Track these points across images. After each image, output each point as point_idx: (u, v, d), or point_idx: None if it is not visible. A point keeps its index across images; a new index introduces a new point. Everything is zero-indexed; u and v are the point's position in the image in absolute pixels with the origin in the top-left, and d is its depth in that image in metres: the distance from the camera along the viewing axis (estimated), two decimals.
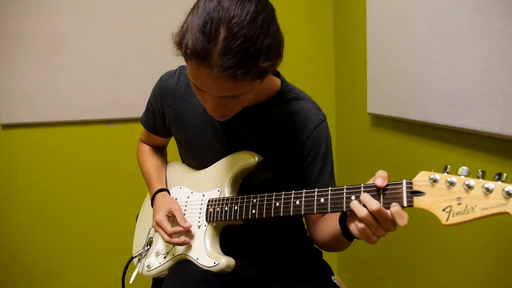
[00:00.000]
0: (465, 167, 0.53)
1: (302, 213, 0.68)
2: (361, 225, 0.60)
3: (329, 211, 0.65)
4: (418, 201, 0.55)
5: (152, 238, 0.95)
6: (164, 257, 0.89)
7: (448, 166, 0.55)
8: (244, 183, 0.85)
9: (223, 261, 0.77)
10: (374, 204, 0.57)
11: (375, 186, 0.59)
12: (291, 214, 0.69)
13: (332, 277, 0.91)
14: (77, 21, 1.65)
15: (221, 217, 0.80)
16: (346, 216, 0.67)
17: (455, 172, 0.53)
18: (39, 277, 1.80)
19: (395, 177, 0.61)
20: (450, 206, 0.53)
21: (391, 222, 0.57)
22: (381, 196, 0.59)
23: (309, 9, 1.81)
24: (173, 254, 0.87)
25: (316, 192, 0.67)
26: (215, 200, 0.83)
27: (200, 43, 0.59)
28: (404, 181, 0.57)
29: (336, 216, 0.71)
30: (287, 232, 0.94)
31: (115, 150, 1.76)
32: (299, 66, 1.81)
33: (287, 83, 0.86)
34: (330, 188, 0.66)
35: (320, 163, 0.82)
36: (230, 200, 0.80)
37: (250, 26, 0.60)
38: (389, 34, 1.17)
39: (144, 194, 1.08)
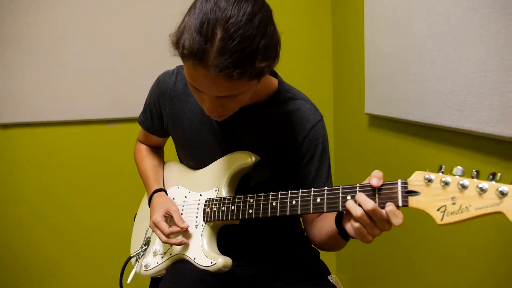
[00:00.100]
0: (459, 167, 0.53)
1: (299, 213, 0.68)
2: (356, 224, 0.60)
3: (325, 211, 0.65)
4: (413, 201, 0.56)
5: (149, 238, 0.96)
6: (162, 257, 0.89)
7: (443, 166, 0.55)
8: (241, 183, 0.86)
9: (220, 261, 0.77)
10: (369, 204, 0.57)
11: (371, 186, 0.59)
12: (288, 214, 0.70)
13: (329, 277, 0.91)
14: (76, 22, 1.66)
15: (218, 217, 0.80)
16: (342, 216, 0.68)
17: (449, 172, 0.54)
18: (38, 277, 1.80)
19: (392, 177, 0.61)
20: (445, 205, 0.53)
21: (386, 222, 0.57)
22: (377, 196, 0.59)
23: (307, 10, 1.81)
24: (170, 254, 0.87)
25: (312, 192, 0.67)
26: (212, 200, 0.83)
27: (197, 44, 0.60)
28: (399, 181, 0.58)
29: (332, 216, 0.71)
30: (284, 232, 0.95)
31: (114, 150, 1.76)
32: (298, 66, 1.81)
33: (284, 83, 0.86)
34: (326, 188, 0.66)
35: (317, 163, 0.82)
36: (227, 200, 0.80)
37: (247, 26, 0.60)
38: (387, 34, 1.17)
39: (143, 194, 1.08)
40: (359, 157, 1.56)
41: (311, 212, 0.67)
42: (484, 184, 0.50)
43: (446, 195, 0.53)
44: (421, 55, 0.98)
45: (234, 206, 0.78)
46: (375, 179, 0.59)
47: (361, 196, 0.59)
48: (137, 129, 1.08)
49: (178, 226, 0.82)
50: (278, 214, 0.71)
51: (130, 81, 1.71)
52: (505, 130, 0.70)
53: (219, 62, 0.59)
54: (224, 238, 0.85)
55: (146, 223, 0.99)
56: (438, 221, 0.53)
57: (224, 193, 0.83)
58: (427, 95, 0.96)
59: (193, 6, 0.64)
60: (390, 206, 0.56)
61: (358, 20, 1.43)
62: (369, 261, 1.53)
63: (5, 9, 1.60)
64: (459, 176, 0.53)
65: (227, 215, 0.79)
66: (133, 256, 0.97)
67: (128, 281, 0.92)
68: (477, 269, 0.88)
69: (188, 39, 0.61)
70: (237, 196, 0.79)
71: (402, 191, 0.57)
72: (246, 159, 0.81)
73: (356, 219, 0.60)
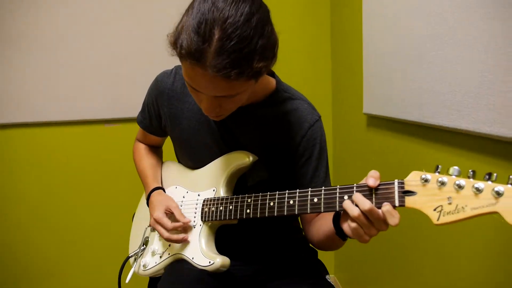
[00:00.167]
0: (456, 167, 0.53)
1: (296, 213, 0.69)
2: (353, 224, 0.60)
3: (322, 211, 0.65)
4: (409, 201, 0.56)
5: (148, 237, 0.96)
6: (160, 257, 0.89)
7: (439, 166, 0.55)
8: (239, 183, 0.86)
9: (218, 261, 0.77)
10: (366, 204, 0.58)
11: (367, 186, 0.59)
12: (285, 213, 0.70)
13: (327, 276, 0.91)
14: (75, 22, 1.66)
15: (216, 216, 0.80)
16: (340, 216, 0.68)
17: (446, 172, 0.54)
18: (37, 276, 1.80)
19: (391, 176, 0.61)
20: (441, 205, 0.53)
21: (383, 222, 0.58)
22: (373, 196, 0.59)
23: (306, 10, 1.82)
24: (168, 254, 0.88)
25: (309, 192, 0.67)
26: (210, 200, 0.83)
27: (195, 44, 0.60)
28: (396, 181, 0.58)
29: (330, 216, 0.71)
30: (282, 232, 0.95)
31: (113, 150, 1.77)
32: (297, 67, 1.81)
33: (282, 83, 0.86)
34: (323, 188, 0.66)
35: (315, 163, 0.82)
36: (225, 200, 0.80)
37: (245, 27, 0.60)
38: (385, 35, 1.18)
39: (141, 194, 1.08)
40: (358, 157, 1.57)
41: (309, 212, 0.67)
42: (480, 184, 0.50)
43: (443, 195, 0.53)
44: (419, 55, 0.98)
45: (232, 206, 0.78)
46: (372, 179, 0.59)
47: (358, 196, 0.59)
48: (135, 129, 1.09)
49: (180, 221, 0.82)
50: (275, 214, 0.71)
51: (129, 81, 1.71)
52: (502, 130, 0.70)
53: (217, 62, 0.59)
54: (222, 238, 0.85)
55: (144, 222, 0.99)
56: (435, 221, 0.53)
57: (222, 193, 0.83)
58: (425, 95, 0.96)
59: (191, 6, 0.65)
60: (386, 206, 0.57)
61: (356, 21, 1.44)
62: (368, 261, 1.54)
63: (5, 9, 1.60)
64: (456, 176, 0.53)
65: (225, 215, 0.79)
66: (131, 256, 0.97)
67: (127, 280, 0.92)
68: (474, 268, 0.89)
69: (186, 39, 0.61)
70: (234, 196, 0.79)
71: (398, 191, 0.57)
72: (244, 159, 0.81)
73: (353, 219, 0.60)
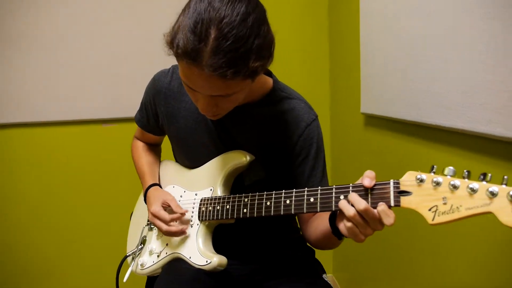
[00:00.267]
0: (451, 167, 0.53)
1: (292, 212, 0.69)
2: (349, 224, 0.60)
3: (318, 211, 0.65)
4: (405, 201, 0.56)
5: (145, 236, 0.96)
6: (158, 256, 0.89)
7: (435, 166, 0.55)
8: (236, 182, 0.86)
9: (215, 260, 0.78)
10: (362, 204, 0.58)
11: (363, 186, 0.60)
12: (282, 213, 0.70)
13: (324, 275, 0.91)
14: (73, 23, 1.66)
15: (213, 216, 0.81)
16: (336, 215, 0.68)
17: (441, 172, 0.54)
18: (36, 275, 1.81)
19: (388, 175, 0.61)
20: (436, 205, 0.53)
21: (378, 222, 0.58)
22: (369, 196, 0.59)
23: (304, 9, 1.82)
24: (166, 253, 0.88)
25: (306, 191, 0.67)
26: (208, 199, 0.83)
27: (191, 43, 0.60)
28: (392, 181, 0.58)
29: (327, 215, 0.72)
30: (280, 231, 0.95)
31: (110, 149, 1.76)
32: (295, 66, 1.81)
33: (279, 82, 0.86)
34: (319, 187, 0.66)
35: (312, 162, 0.83)
36: (222, 199, 0.80)
37: (241, 26, 0.61)
38: (382, 35, 1.18)
39: (139, 193, 1.08)
40: (355, 156, 1.57)
41: (305, 211, 0.67)
42: (475, 184, 0.50)
43: (438, 195, 0.53)
44: (415, 55, 0.98)
45: (229, 205, 0.78)
46: (368, 179, 0.59)
47: (353, 196, 0.59)
48: (133, 129, 1.09)
49: (177, 213, 0.83)
50: (272, 214, 0.71)
51: (127, 81, 1.71)
52: (497, 129, 0.71)
53: (213, 62, 0.60)
54: (220, 237, 0.85)
55: (142, 221, 1.00)
56: (430, 221, 0.54)
57: (219, 192, 0.83)
58: (421, 94, 0.96)
59: (187, 6, 0.65)
60: (381, 206, 0.57)
61: (354, 20, 1.44)
62: (366, 261, 1.54)
63: (5, 9, 1.61)
64: (451, 176, 0.53)
65: (222, 214, 0.79)
66: (129, 255, 0.97)
67: (124, 280, 0.92)
68: (471, 267, 0.89)
69: (182, 38, 0.61)
70: (232, 196, 0.79)
71: (394, 191, 0.57)
72: (241, 158, 0.81)
73: (349, 219, 0.60)
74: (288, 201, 0.69)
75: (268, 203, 0.72)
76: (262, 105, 0.83)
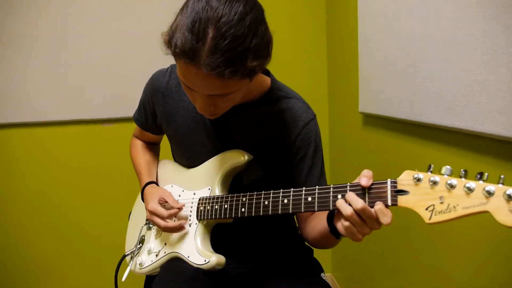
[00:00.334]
0: (448, 167, 0.54)
1: (290, 212, 0.69)
2: (346, 223, 0.61)
3: (316, 210, 0.66)
4: (402, 200, 0.56)
5: (144, 236, 0.96)
6: (156, 255, 0.89)
7: (432, 165, 0.56)
8: (234, 182, 0.86)
9: (214, 259, 0.78)
10: (359, 203, 0.58)
11: (361, 185, 0.60)
12: (280, 212, 0.70)
13: (322, 274, 0.92)
14: (72, 23, 1.66)
15: (211, 215, 0.81)
16: (334, 215, 0.68)
17: (438, 171, 0.54)
18: (34, 275, 1.81)
19: (386, 175, 0.61)
20: (433, 205, 0.53)
21: (376, 221, 0.58)
22: (366, 195, 0.60)
23: (302, 9, 1.82)
24: (164, 252, 0.88)
25: (303, 191, 0.68)
26: (206, 199, 0.83)
27: (189, 42, 0.60)
28: (389, 181, 0.58)
29: (325, 214, 0.72)
30: (278, 230, 0.95)
31: (110, 149, 1.76)
32: (293, 66, 1.81)
33: (277, 81, 0.86)
34: (317, 187, 0.66)
35: (310, 161, 0.83)
36: (220, 199, 0.80)
37: (238, 26, 0.61)
38: (380, 34, 1.18)
39: (138, 193, 1.08)
40: (354, 155, 1.57)
41: (303, 211, 0.67)
42: (472, 183, 0.50)
43: (435, 194, 0.53)
44: (413, 55, 0.98)
45: (227, 204, 0.78)
46: (365, 178, 0.59)
47: (351, 196, 0.60)
48: (132, 129, 1.09)
49: (174, 208, 0.83)
50: (270, 213, 0.71)
51: (126, 81, 1.70)
52: (494, 128, 0.71)
53: (211, 61, 0.60)
54: (218, 237, 0.85)
55: (140, 221, 1.00)
56: (427, 220, 0.54)
57: (217, 191, 0.83)
58: (418, 93, 0.96)
59: (185, 5, 0.65)
60: (379, 205, 0.57)
61: (352, 20, 1.44)
62: (365, 260, 1.55)
63: (4, 9, 1.60)
64: (448, 175, 0.53)
65: (220, 214, 0.79)
66: (127, 255, 0.97)
67: (123, 279, 0.92)
68: (469, 266, 0.89)
69: (180, 38, 0.61)
70: (230, 195, 0.79)
71: (391, 191, 0.57)
72: (239, 157, 0.82)
73: (346, 218, 0.60)
74: (286, 201, 0.69)
75: (266, 203, 0.72)
76: (260, 105, 0.83)
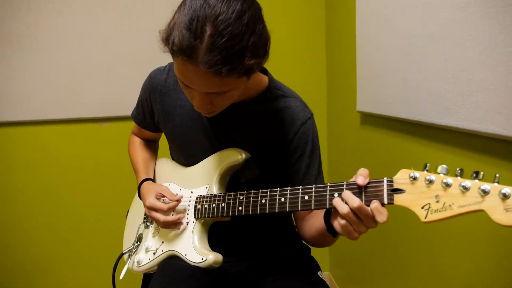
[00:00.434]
0: (444, 165, 0.54)
1: (287, 210, 0.69)
2: (343, 221, 0.61)
3: (313, 208, 0.66)
4: (398, 199, 0.56)
5: (141, 234, 0.96)
6: (154, 253, 0.89)
7: (428, 164, 0.56)
8: (232, 180, 0.86)
9: (211, 257, 0.78)
10: (355, 201, 0.58)
11: (357, 184, 0.60)
12: (276, 211, 0.70)
13: (319, 273, 0.92)
14: (69, 22, 1.66)
15: (208, 213, 0.81)
16: (331, 213, 0.68)
17: (434, 170, 0.54)
18: (33, 273, 1.80)
19: (384, 173, 0.61)
20: (429, 203, 0.54)
21: (372, 219, 0.58)
22: (363, 193, 0.60)
23: (301, 8, 1.81)
24: (162, 250, 0.88)
25: (300, 189, 0.68)
26: (203, 197, 0.83)
27: (187, 40, 0.60)
28: (385, 179, 0.58)
29: (322, 213, 0.72)
30: (275, 228, 0.95)
31: (107, 148, 1.76)
32: (292, 65, 1.81)
33: (274, 80, 0.86)
34: (314, 185, 0.66)
35: (307, 160, 0.83)
36: (217, 197, 0.80)
37: (236, 24, 0.61)
38: (378, 33, 1.18)
39: (135, 192, 1.08)
40: (352, 153, 1.58)
41: (299, 209, 0.67)
42: (467, 182, 0.51)
43: (430, 193, 0.53)
44: (410, 54, 0.98)
45: (225, 203, 0.78)
46: (361, 177, 0.59)
47: (347, 194, 0.60)
48: (130, 128, 1.09)
49: (173, 201, 0.83)
50: (267, 211, 0.72)
51: (124, 79, 1.70)
52: (490, 127, 0.71)
53: (208, 59, 0.60)
54: (215, 235, 0.85)
55: (138, 219, 1.00)
56: (422, 219, 0.54)
57: (215, 190, 0.83)
58: (415, 93, 0.97)
59: (183, 3, 0.65)
60: (374, 204, 0.57)
61: (350, 20, 1.44)
62: (363, 258, 1.55)
63: (4, 9, 1.60)
64: (444, 174, 0.53)
65: (217, 212, 0.79)
66: (125, 253, 0.97)
67: (121, 277, 0.92)
68: (465, 264, 0.90)
69: (178, 35, 0.61)
70: (227, 193, 0.79)
71: (387, 189, 0.57)
72: (236, 156, 0.82)
73: (343, 216, 0.60)
74: (283, 199, 0.70)
75: (263, 201, 0.72)
76: (258, 103, 0.83)
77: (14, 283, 1.79)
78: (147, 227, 0.96)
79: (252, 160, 0.82)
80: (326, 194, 0.64)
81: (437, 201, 0.53)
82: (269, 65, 0.74)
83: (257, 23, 0.64)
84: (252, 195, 0.74)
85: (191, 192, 0.88)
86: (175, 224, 0.84)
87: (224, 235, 0.87)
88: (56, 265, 1.82)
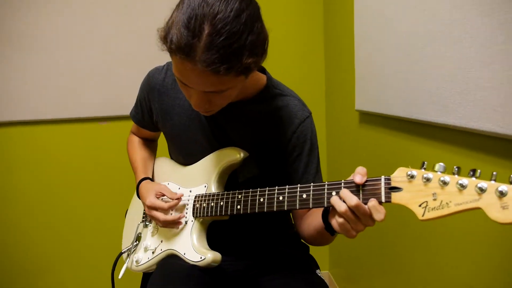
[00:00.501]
0: (441, 164, 0.54)
1: (285, 209, 0.69)
2: (340, 220, 0.61)
3: (311, 207, 0.66)
4: (395, 197, 0.56)
5: (140, 233, 0.96)
6: (153, 252, 0.89)
7: (425, 162, 0.56)
8: (230, 179, 0.86)
9: (209, 256, 0.78)
10: (353, 200, 0.58)
11: (355, 182, 0.60)
12: (275, 209, 0.70)
13: (318, 271, 0.92)
14: (69, 21, 1.66)
15: (207, 212, 0.81)
16: (329, 211, 0.68)
17: (432, 168, 0.54)
18: (31, 272, 1.80)
19: (382, 172, 0.61)
20: (426, 201, 0.54)
21: (369, 217, 0.58)
22: (361, 192, 0.60)
23: (299, 7, 1.81)
24: (161, 249, 0.88)
25: (298, 188, 0.68)
26: (202, 196, 0.83)
27: (185, 38, 0.60)
28: (383, 177, 0.58)
29: (320, 211, 0.72)
30: (274, 227, 0.95)
31: (106, 147, 1.76)
32: (290, 64, 1.82)
33: (272, 79, 0.86)
34: (312, 184, 0.67)
35: (306, 159, 0.83)
36: (215, 196, 0.81)
37: (234, 22, 0.61)
38: (375, 33, 1.18)
39: (134, 191, 1.08)
40: (350, 153, 1.58)
41: (298, 208, 0.67)
42: (464, 180, 0.51)
43: (428, 191, 0.54)
44: (408, 53, 0.99)
45: (223, 202, 0.78)
46: (359, 176, 0.60)
47: (345, 192, 0.60)
48: (129, 127, 1.09)
49: (174, 199, 0.84)
50: (265, 210, 0.72)
51: (123, 79, 1.70)
52: (487, 125, 0.71)
53: (206, 57, 0.60)
54: (214, 234, 0.85)
55: (137, 218, 1.00)
56: (420, 217, 0.54)
57: (213, 189, 0.84)
58: (413, 91, 0.97)
59: (181, 1, 0.65)
60: (372, 202, 0.57)
61: (348, 19, 1.44)
62: (362, 257, 1.55)
63: (4, 9, 1.60)
64: (441, 172, 0.53)
65: (216, 211, 0.79)
66: (124, 252, 0.97)
67: (120, 276, 0.93)
68: (464, 262, 0.90)
69: (176, 34, 0.61)
70: (225, 192, 0.79)
71: (385, 187, 0.58)
72: (234, 155, 0.82)
73: (341, 215, 0.60)
74: (281, 198, 0.70)
75: (262, 200, 0.72)
76: (256, 102, 0.83)
77: (13, 282, 1.80)
78: (146, 226, 0.96)
79: (251, 159, 0.82)
80: (324, 193, 0.64)
81: (434, 199, 0.53)
82: (268, 64, 0.74)
83: (255, 22, 0.64)
84: (250, 194, 0.74)
85: (190, 191, 0.88)
86: (175, 223, 0.84)
87: (222, 234, 0.87)
88: (55, 264, 1.82)
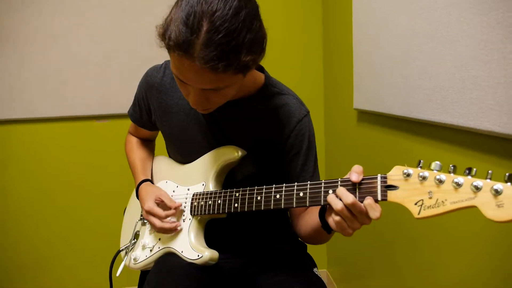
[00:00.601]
0: (437, 162, 0.54)
1: (282, 207, 0.69)
2: (337, 218, 0.61)
3: (307, 205, 0.66)
4: (391, 195, 0.57)
5: (138, 231, 0.96)
6: (150, 250, 0.90)
7: (421, 161, 0.56)
8: (228, 177, 0.86)
9: (207, 254, 0.78)
10: (349, 198, 0.59)
11: (351, 180, 0.60)
12: (272, 207, 0.70)
13: (315, 269, 0.92)
14: (66, 19, 1.65)
15: (205, 210, 0.81)
16: (325, 210, 0.69)
17: (428, 166, 0.55)
18: (29, 271, 1.81)
19: (380, 170, 0.62)
20: (422, 200, 0.54)
21: (365, 215, 0.59)
22: (357, 190, 0.60)
23: (298, 6, 1.81)
24: (159, 247, 0.88)
25: (295, 186, 0.68)
26: (199, 194, 0.84)
27: (183, 35, 0.60)
28: (379, 176, 0.59)
29: (317, 210, 0.73)
30: (271, 225, 0.96)
31: (104, 146, 1.76)
32: (289, 63, 1.82)
33: (271, 78, 0.87)
34: (309, 182, 0.67)
35: (303, 158, 0.83)
36: (213, 194, 0.81)
37: (233, 20, 0.61)
38: (374, 32, 1.18)
39: (132, 189, 1.08)
40: (349, 151, 1.58)
41: (294, 206, 0.68)
42: (460, 178, 0.51)
43: (423, 189, 0.54)
44: (405, 52, 0.99)
45: (221, 200, 0.79)
46: (355, 174, 0.60)
47: (341, 190, 0.60)
48: (126, 125, 1.09)
49: (172, 208, 0.83)
50: (262, 208, 0.72)
51: (120, 77, 1.70)
52: (484, 124, 0.72)
53: (205, 54, 0.60)
54: (211, 232, 0.86)
55: (135, 217, 1.00)
56: (415, 215, 0.54)
57: (211, 187, 0.84)
58: (411, 90, 0.97)
59: None
60: (368, 200, 0.58)
61: (347, 17, 1.44)
62: (360, 255, 1.56)
63: (2, 7, 1.59)
64: (437, 170, 0.54)
65: (213, 209, 0.80)
66: (122, 250, 0.97)
67: (118, 274, 0.93)
68: (461, 260, 0.91)
69: (174, 30, 0.61)
70: (223, 190, 0.79)
71: (381, 186, 0.58)
72: (232, 153, 0.82)
73: (337, 213, 0.61)
74: (278, 196, 0.70)
75: (259, 198, 0.72)
76: (254, 101, 0.83)
77: (11, 280, 1.80)
78: (144, 224, 0.96)
79: (248, 157, 0.83)
80: (321, 191, 0.64)
81: (430, 197, 0.53)
82: (266, 62, 0.74)
83: (254, 20, 0.64)
84: (247, 192, 0.75)
85: (188, 189, 0.88)
86: (171, 230, 0.84)
87: (220, 232, 0.88)
88: (53, 262, 1.82)
